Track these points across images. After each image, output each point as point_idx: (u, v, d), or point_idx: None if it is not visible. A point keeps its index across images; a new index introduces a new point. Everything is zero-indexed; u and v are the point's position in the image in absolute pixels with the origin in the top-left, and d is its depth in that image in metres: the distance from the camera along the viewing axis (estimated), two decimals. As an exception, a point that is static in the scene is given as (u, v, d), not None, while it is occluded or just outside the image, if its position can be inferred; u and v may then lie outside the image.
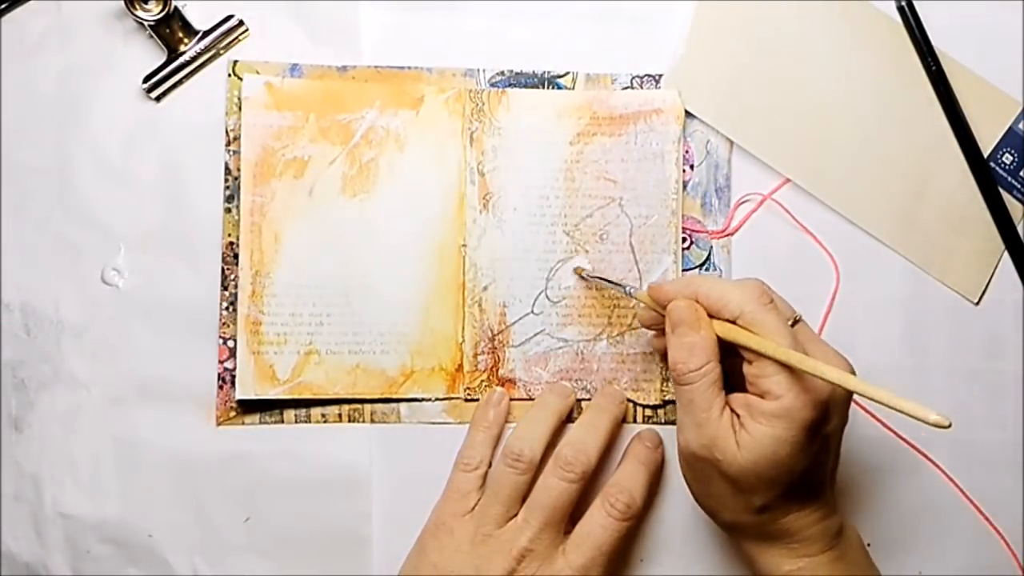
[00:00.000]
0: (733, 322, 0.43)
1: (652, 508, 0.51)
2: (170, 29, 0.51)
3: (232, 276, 0.51)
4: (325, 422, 0.51)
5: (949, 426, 0.36)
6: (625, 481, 0.49)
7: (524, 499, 0.48)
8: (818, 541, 0.44)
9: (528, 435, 0.49)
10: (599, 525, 0.47)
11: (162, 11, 0.50)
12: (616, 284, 0.50)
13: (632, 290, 0.49)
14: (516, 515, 0.47)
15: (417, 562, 0.48)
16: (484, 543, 0.47)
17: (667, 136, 0.52)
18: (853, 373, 0.43)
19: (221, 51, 0.52)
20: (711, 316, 0.44)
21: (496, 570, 0.46)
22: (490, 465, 0.49)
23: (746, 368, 0.43)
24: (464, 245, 0.52)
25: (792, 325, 0.44)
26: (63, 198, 0.51)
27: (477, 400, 0.51)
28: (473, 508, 0.48)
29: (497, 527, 0.47)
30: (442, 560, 0.47)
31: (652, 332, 0.50)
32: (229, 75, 0.52)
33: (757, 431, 0.41)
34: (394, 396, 0.51)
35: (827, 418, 0.42)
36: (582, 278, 0.51)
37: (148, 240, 0.51)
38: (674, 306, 0.44)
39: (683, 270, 0.52)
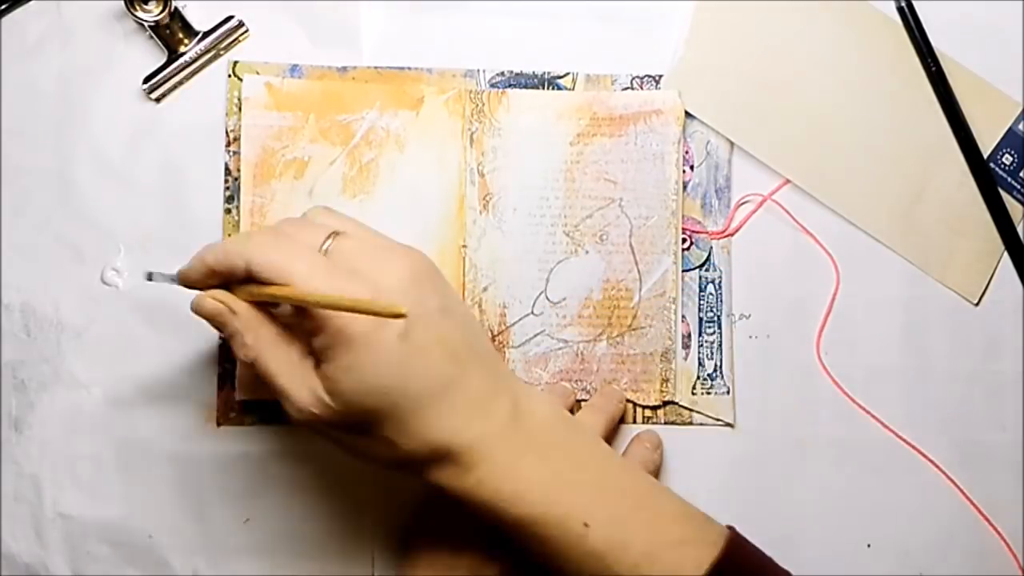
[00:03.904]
0: (252, 278, 0.40)
1: (652, 508, 0.51)
2: (170, 30, 0.51)
3: (232, 277, 0.51)
4: (325, 423, 0.51)
5: (405, 315, 0.35)
6: (623, 481, 0.48)
7: None
8: (484, 442, 0.41)
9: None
10: None
11: (162, 12, 0.50)
12: (163, 278, 0.46)
13: (174, 279, 0.45)
14: None
15: (415, 562, 0.48)
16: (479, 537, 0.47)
17: (667, 137, 0.52)
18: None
19: (221, 52, 0.52)
20: (237, 282, 0.41)
21: (495, 567, 0.46)
22: None
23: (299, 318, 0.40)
24: (464, 246, 0.52)
25: (329, 239, 0.41)
26: (63, 198, 0.52)
27: (477, 400, 0.51)
28: None
29: None
30: (439, 559, 0.47)
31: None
32: (229, 76, 0.52)
33: (328, 370, 0.39)
34: (394, 396, 0.51)
35: (383, 323, 0.39)
36: (150, 280, 0.46)
37: (148, 240, 0.51)
38: (197, 305, 0.42)
39: (683, 271, 0.52)
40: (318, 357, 0.40)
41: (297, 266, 0.39)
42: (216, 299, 0.42)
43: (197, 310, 0.42)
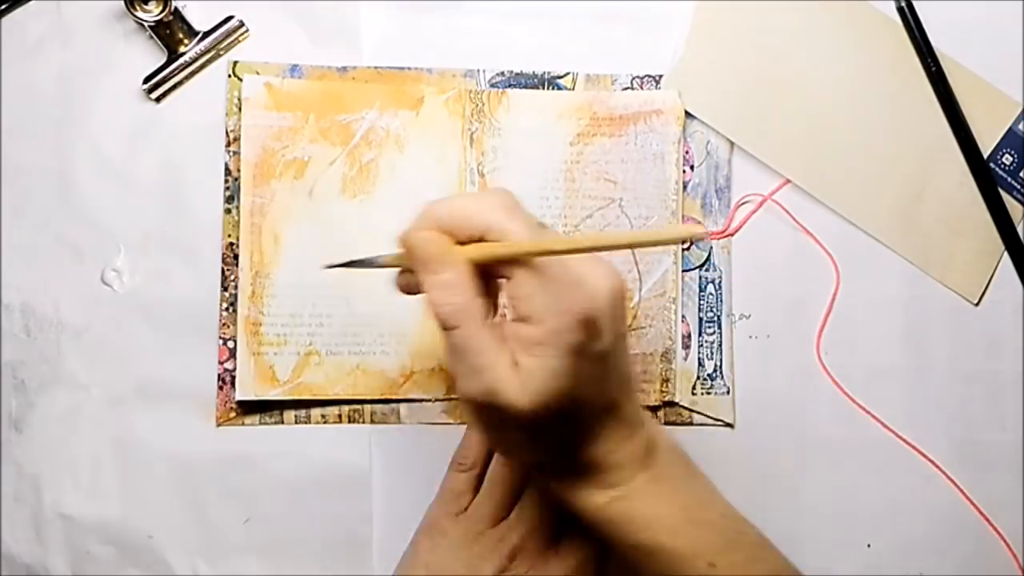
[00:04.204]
0: (481, 239, 0.38)
1: (652, 508, 0.51)
2: (170, 30, 0.51)
3: (232, 277, 0.51)
4: (325, 423, 0.51)
5: (704, 237, 0.34)
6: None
7: (518, 499, 0.48)
8: (627, 467, 0.41)
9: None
10: None
11: (162, 12, 0.50)
12: (358, 262, 0.44)
13: (376, 258, 0.43)
14: (509, 514, 0.47)
15: (411, 562, 0.48)
16: (476, 542, 0.47)
17: (667, 137, 0.52)
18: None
19: (221, 52, 0.52)
20: (460, 242, 0.38)
21: (488, 569, 0.46)
22: (484, 466, 0.49)
23: (505, 288, 0.39)
24: (464, 246, 0.52)
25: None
26: (63, 198, 0.52)
27: (477, 401, 0.51)
28: (466, 508, 0.48)
29: (490, 526, 0.47)
30: (435, 560, 0.47)
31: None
32: (229, 76, 0.52)
33: (530, 364, 0.37)
34: (394, 397, 0.51)
35: (597, 335, 0.37)
36: (331, 267, 0.45)
37: (148, 241, 0.51)
38: (414, 242, 0.38)
39: (683, 271, 0.52)
40: (523, 350, 0.37)
41: (534, 232, 0.38)
42: (432, 240, 0.38)
43: (406, 242, 0.39)
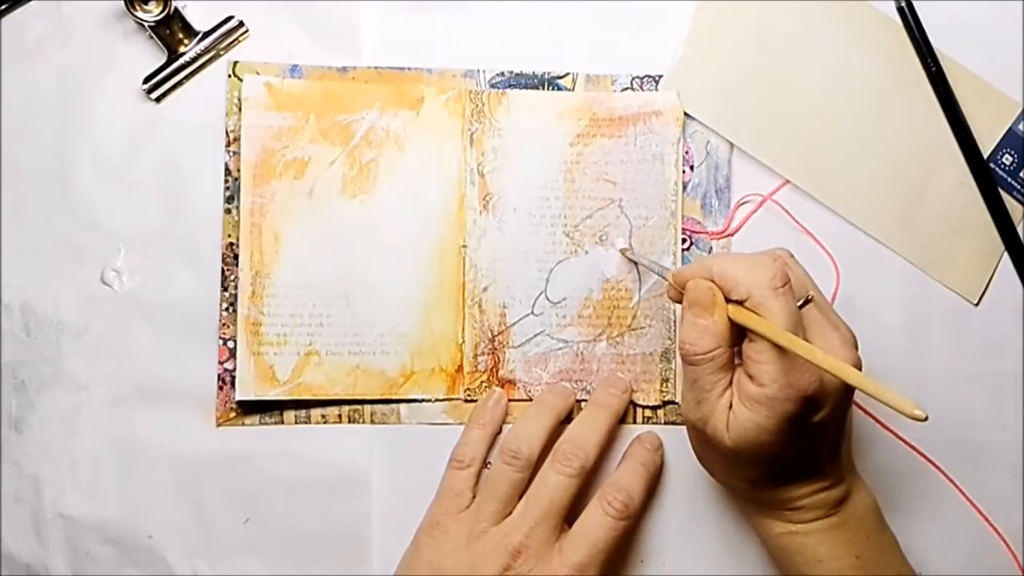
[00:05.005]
0: (743, 303, 0.42)
1: (653, 509, 0.51)
2: (170, 30, 0.51)
3: (232, 277, 0.51)
4: (325, 423, 0.51)
5: (926, 419, 0.35)
6: (623, 480, 0.49)
7: (521, 497, 0.48)
8: (813, 510, 0.45)
9: (526, 433, 0.49)
10: (596, 523, 0.47)
11: (162, 12, 0.50)
12: (653, 266, 0.50)
13: (665, 271, 0.49)
14: (512, 512, 0.47)
15: (412, 561, 0.48)
16: (479, 540, 0.47)
17: (666, 138, 0.52)
18: (856, 349, 0.43)
19: (221, 52, 0.52)
20: (725, 297, 0.43)
21: (491, 568, 0.46)
22: (483, 464, 0.49)
23: (746, 345, 0.42)
24: (464, 246, 0.52)
25: (804, 303, 0.43)
26: (63, 198, 0.52)
27: (477, 401, 0.51)
28: (468, 506, 0.48)
29: (493, 524, 0.47)
30: (437, 558, 0.47)
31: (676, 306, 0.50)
32: (229, 76, 0.52)
33: (742, 414, 0.41)
34: (394, 397, 0.51)
35: (815, 409, 0.42)
36: (627, 259, 0.51)
37: (148, 241, 0.51)
38: (691, 286, 0.43)
39: (683, 271, 0.52)
40: (742, 399, 0.42)
41: (786, 318, 0.41)
42: (702, 288, 0.43)
43: (679, 282, 0.44)
